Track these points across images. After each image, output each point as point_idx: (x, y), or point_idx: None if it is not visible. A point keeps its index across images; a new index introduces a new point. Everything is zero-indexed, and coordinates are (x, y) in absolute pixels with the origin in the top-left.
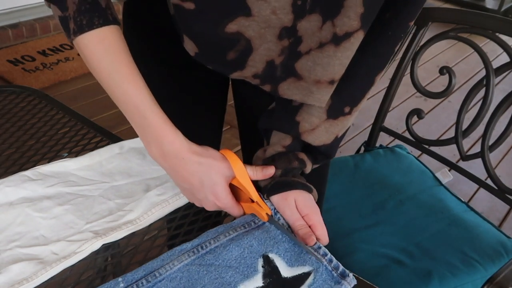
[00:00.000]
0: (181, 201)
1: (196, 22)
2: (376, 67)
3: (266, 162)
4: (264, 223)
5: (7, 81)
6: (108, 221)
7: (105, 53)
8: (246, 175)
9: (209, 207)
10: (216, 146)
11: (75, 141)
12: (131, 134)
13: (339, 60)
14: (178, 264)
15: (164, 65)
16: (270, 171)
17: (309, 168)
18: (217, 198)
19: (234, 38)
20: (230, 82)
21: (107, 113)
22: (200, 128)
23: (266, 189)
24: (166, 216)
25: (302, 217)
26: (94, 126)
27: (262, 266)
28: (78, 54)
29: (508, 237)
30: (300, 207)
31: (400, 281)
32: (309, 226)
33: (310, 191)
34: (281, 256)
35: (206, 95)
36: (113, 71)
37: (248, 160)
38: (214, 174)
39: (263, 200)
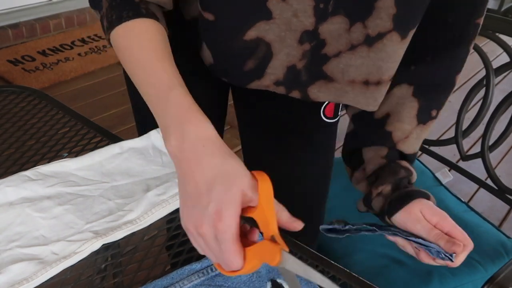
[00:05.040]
0: None
1: (215, 32)
2: (454, 68)
3: (370, 181)
4: None
5: (7, 81)
6: (108, 221)
7: (135, 39)
8: (272, 202)
9: (202, 229)
10: None
11: (75, 141)
12: (131, 134)
13: (372, 61)
14: (188, 284)
15: None
16: (299, 224)
17: (414, 176)
18: (220, 217)
19: (253, 45)
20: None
21: (107, 113)
22: None
23: (383, 210)
24: (166, 216)
25: (434, 226)
26: (94, 126)
27: None
28: (79, 54)
29: (508, 237)
30: (428, 217)
31: (400, 281)
32: (446, 234)
33: (428, 197)
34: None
35: (206, 98)
36: (142, 54)
37: (248, 158)
38: (233, 184)
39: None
